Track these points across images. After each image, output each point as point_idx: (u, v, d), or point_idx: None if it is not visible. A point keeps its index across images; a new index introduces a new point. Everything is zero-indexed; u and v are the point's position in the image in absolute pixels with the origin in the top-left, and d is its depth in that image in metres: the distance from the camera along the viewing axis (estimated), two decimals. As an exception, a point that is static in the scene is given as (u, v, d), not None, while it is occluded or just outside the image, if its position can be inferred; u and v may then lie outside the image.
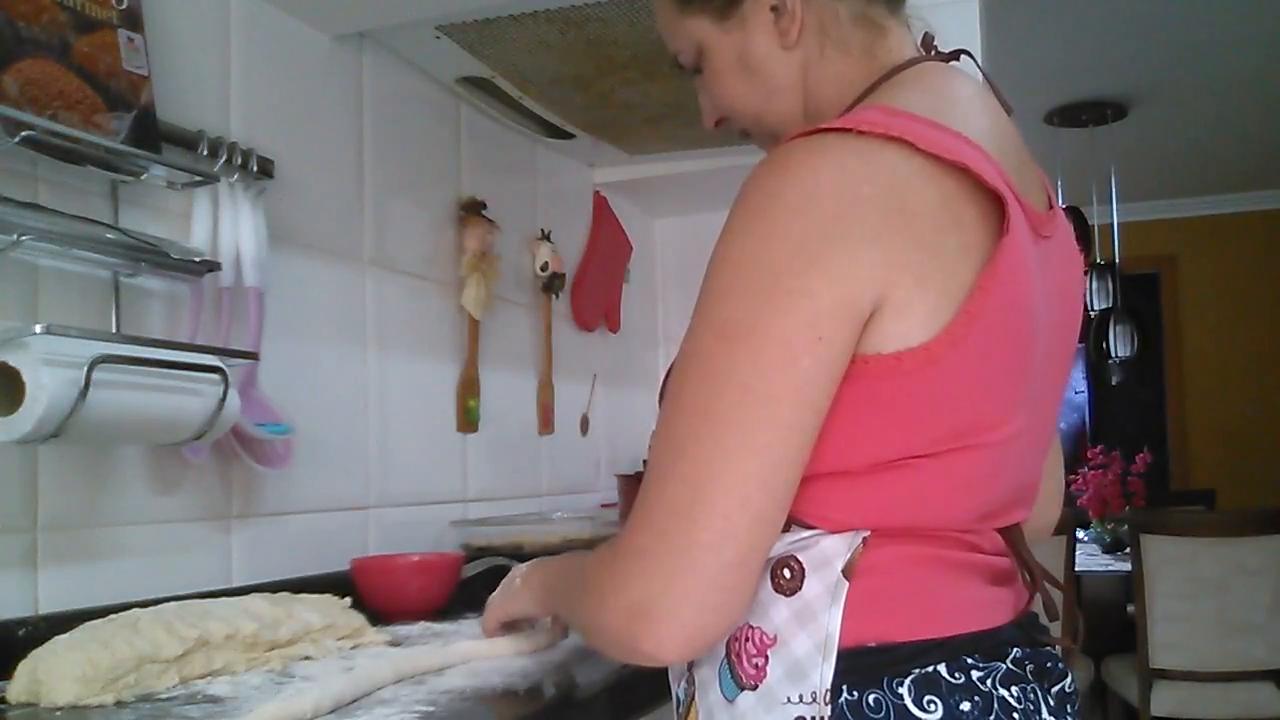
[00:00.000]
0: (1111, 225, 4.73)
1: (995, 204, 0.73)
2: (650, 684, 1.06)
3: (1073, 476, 4.07)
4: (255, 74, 1.45)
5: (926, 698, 0.71)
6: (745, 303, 0.69)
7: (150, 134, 1.21)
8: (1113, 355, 4.43)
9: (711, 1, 0.89)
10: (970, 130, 0.75)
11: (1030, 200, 0.79)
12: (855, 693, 0.71)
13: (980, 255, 0.72)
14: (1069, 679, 0.79)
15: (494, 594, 1.09)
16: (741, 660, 0.75)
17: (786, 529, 0.74)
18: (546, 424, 2.17)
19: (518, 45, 1.65)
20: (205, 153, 1.30)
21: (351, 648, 1.16)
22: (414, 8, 1.53)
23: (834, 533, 0.74)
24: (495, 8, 1.51)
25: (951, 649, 0.73)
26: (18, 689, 0.94)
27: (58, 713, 0.90)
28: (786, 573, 0.75)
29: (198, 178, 1.27)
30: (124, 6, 1.20)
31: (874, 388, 0.71)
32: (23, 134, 1.05)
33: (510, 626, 1.11)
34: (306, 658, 1.10)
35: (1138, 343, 4.41)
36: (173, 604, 1.07)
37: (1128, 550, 3.25)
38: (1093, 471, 3.95)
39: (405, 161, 1.77)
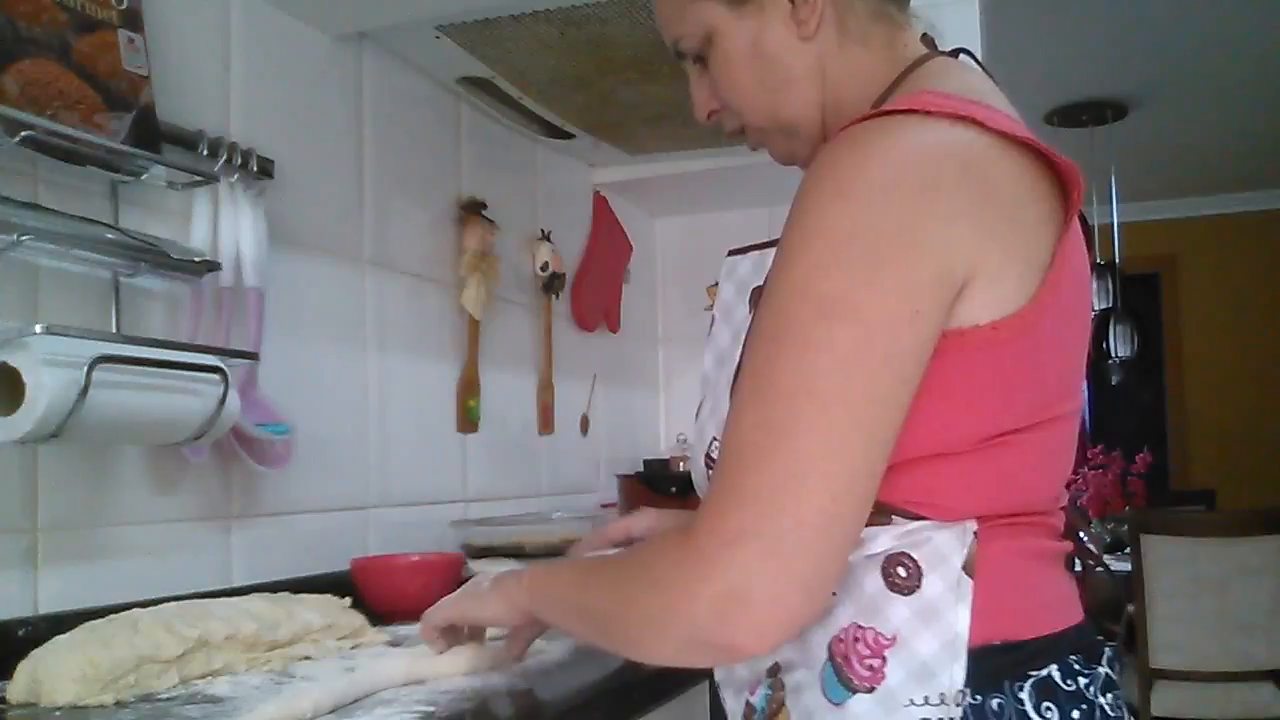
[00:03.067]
0: (1111, 225, 4.72)
1: (1055, 180, 0.74)
2: (651, 685, 1.06)
3: (1073, 476, 4.06)
4: (255, 74, 1.45)
5: (1045, 704, 0.72)
6: (842, 278, 0.68)
7: (150, 134, 1.21)
8: (1113, 355, 4.43)
9: None
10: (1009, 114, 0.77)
11: None
12: (979, 696, 0.71)
13: (1055, 226, 0.73)
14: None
15: (449, 595, 1.00)
16: (851, 662, 0.72)
17: (887, 520, 0.73)
18: (546, 424, 2.17)
19: (518, 45, 1.65)
20: (205, 153, 1.30)
21: (351, 648, 1.16)
22: (414, 8, 1.53)
23: (942, 523, 0.73)
24: (495, 8, 1.51)
25: (1060, 649, 0.74)
26: (18, 689, 0.94)
27: (58, 713, 0.90)
28: (901, 571, 0.73)
29: (198, 178, 1.27)
30: (124, 6, 1.20)
31: (971, 360, 0.70)
32: (23, 134, 1.05)
33: (449, 634, 1.01)
34: (306, 658, 1.10)
35: (1138, 343, 4.41)
36: (173, 604, 1.07)
37: (1128, 550, 3.24)
38: (1093, 471, 3.95)
39: (405, 161, 1.77)
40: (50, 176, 1.15)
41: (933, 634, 0.71)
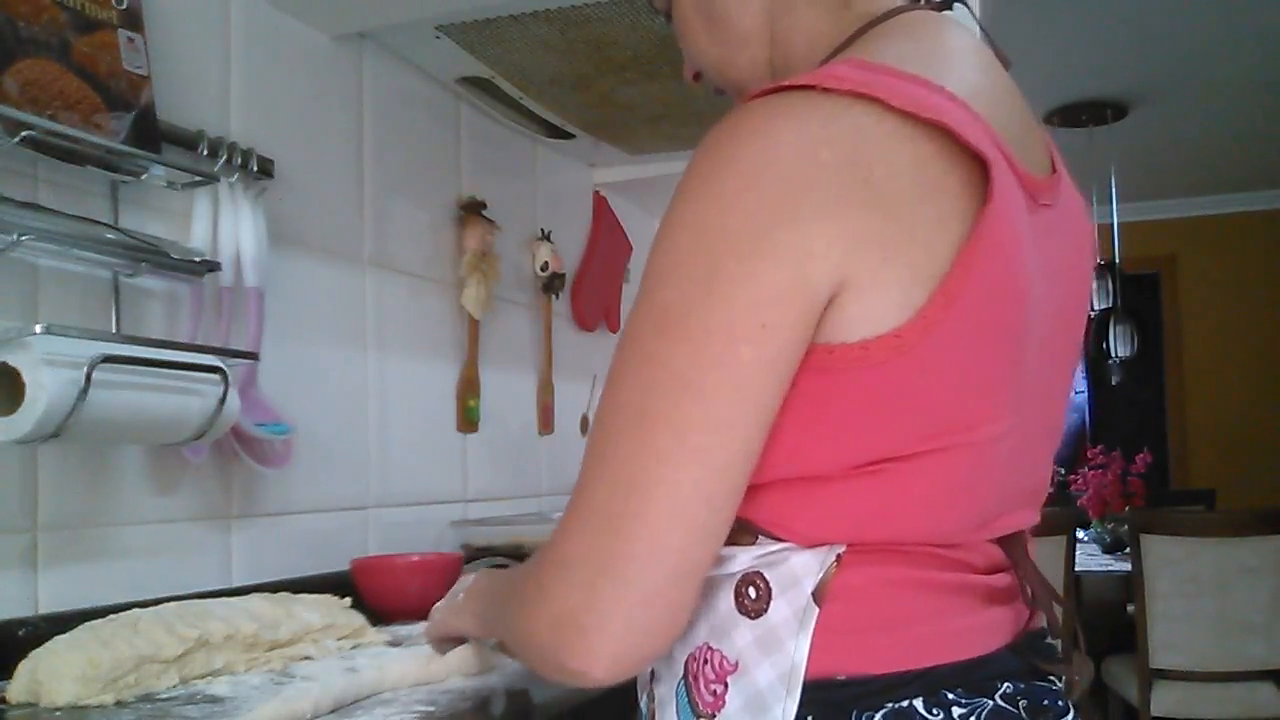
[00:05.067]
0: (1111, 225, 4.73)
1: (980, 168, 0.63)
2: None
3: (1072, 476, 4.07)
4: (255, 74, 1.45)
5: None
6: (684, 287, 0.61)
7: (150, 134, 1.21)
8: (1113, 355, 4.43)
9: None
10: (960, 86, 0.66)
11: (1026, 164, 0.70)
12: None
13: (961, 227, 0.62)
14: (1072, 714, 0.70)
15: (438, 603, 0.97)
16: (699, 684, 0.69)
17: (754, 540, 0.67)
18: (546, 424, 2.17)
19: (518, 45, 1.65)
20: (205, 153, 1.30)
21: (351, 648, 1.16)
22: (414, 8, 1.53)
23: (805, 547, 0.66)
24: (495, 8, 1.51)
25: (929, 682, 0.65)
26: (18, 689, 0.94)
27: (58, 713, 0.90)
28: (752, 592, 0.67)
29: (198, 178, 1.27)
30: (124, 6, 1.20)
31: (840, 380, 0.62)
32: (23, 134, 1.05)
33: (455, 641, 0.99)
34: (306, 658, 1.10)
35: (1138, 343, 4.41)
36: (173, 604, 1.07)
37: (1128, 550, 3.25)
38: (1093, 471, 3.95)
39: (405, 161, 1.77)
40: (50, 176, 1.15)
41: (771, 664, 0.66)
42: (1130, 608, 3.20)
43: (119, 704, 0.93)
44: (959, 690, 0.65)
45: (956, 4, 0.80)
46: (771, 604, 0.66)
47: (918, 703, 0.64)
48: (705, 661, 0.69)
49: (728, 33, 0.82)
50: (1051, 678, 0.71)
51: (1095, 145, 4.48)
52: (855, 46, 0.72)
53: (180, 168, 1.25)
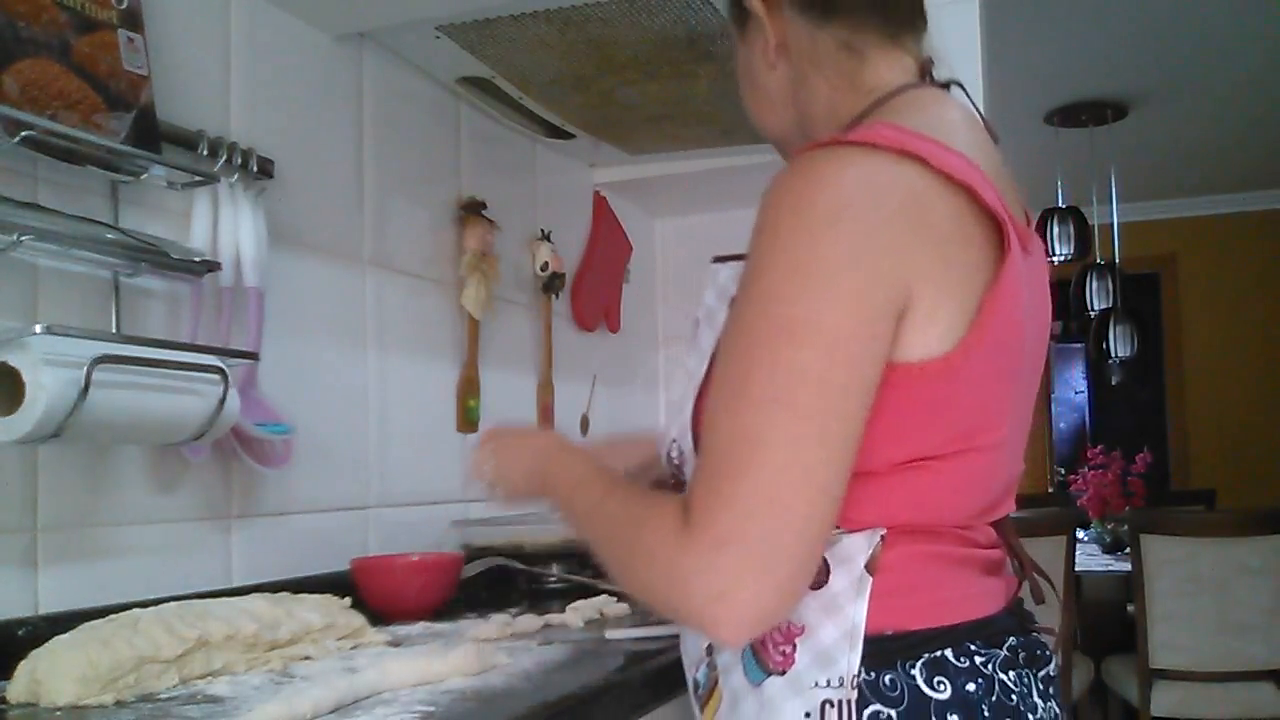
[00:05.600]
0: (1111, 225, 4.73)
1: (994, 225, 0.78)
2: (652, 684, 1.06)
3: (1072, 476, 4.07)
4: (255, 74, 1.45)
5: (936, 679, 0.79)
6: (805, 302, 0.73)
7: (150, 134, 1.21)
8: (1113, 355, 4.43)
9: (735, 21, 0.99)
10: (967, 153, 0.80)
11: (1018, 219, 0.84)
12: (873, 673, 0.78)
13: (986, 273, 0.78)
14: (1053, 664, 0.88)
15: (506, 431, 1.11)
16: (768, 648, 0.81)
17: None
18: (546, 424, 2.17)
19: (518, 45, 1.65)
20: (205, 153, 1.30)
21: (351, 648, 1.16)
22: (414, 8, 1.53)
23: (853, 531, 0.80)
24: (495, 8, 1.51)
25: (956, 636, 0.81)
26: (18, 689, 0.94)
27: (58, 713, 0.90)
28: None
29: (198, 178, 1.27)
30: (124, 6, 1.20)
31: (897, 392, 0.76)
32: (23, 134, 1.05)
33: (517, 497, 1.09)
34: (306, 658, 1.10)
35: (1138, 343, 4.41)
36: (173, 604, 1.07)
37: (1128, 550, 3.24)
38: (1093, 471, 3.95)
39: (405, 161, 1.77)
40: (50, 176, 1.15)
41: (834, 624, 0.79)
42: (1130, 608, 3.21)
43: (119, 704, 0.93)
44: (978, 643, 0.81)
45: (954, 85, 0.94)
46: (831, 576, 0.80)
47: (948, 653, 0.80)
48: (773, 628, 0.80)
49: (763, 95, 0.98)
50: (1036, 633, 0.88)
51: (1095, 145, 4.48)
52: (872, 116, 0.86)
53: (180, 168, 1.25)
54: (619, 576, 0.82)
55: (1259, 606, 3.01)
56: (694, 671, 0.90)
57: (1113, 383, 4.54)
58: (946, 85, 0.93)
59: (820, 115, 0.92)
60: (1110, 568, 3.59)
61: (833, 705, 0.78)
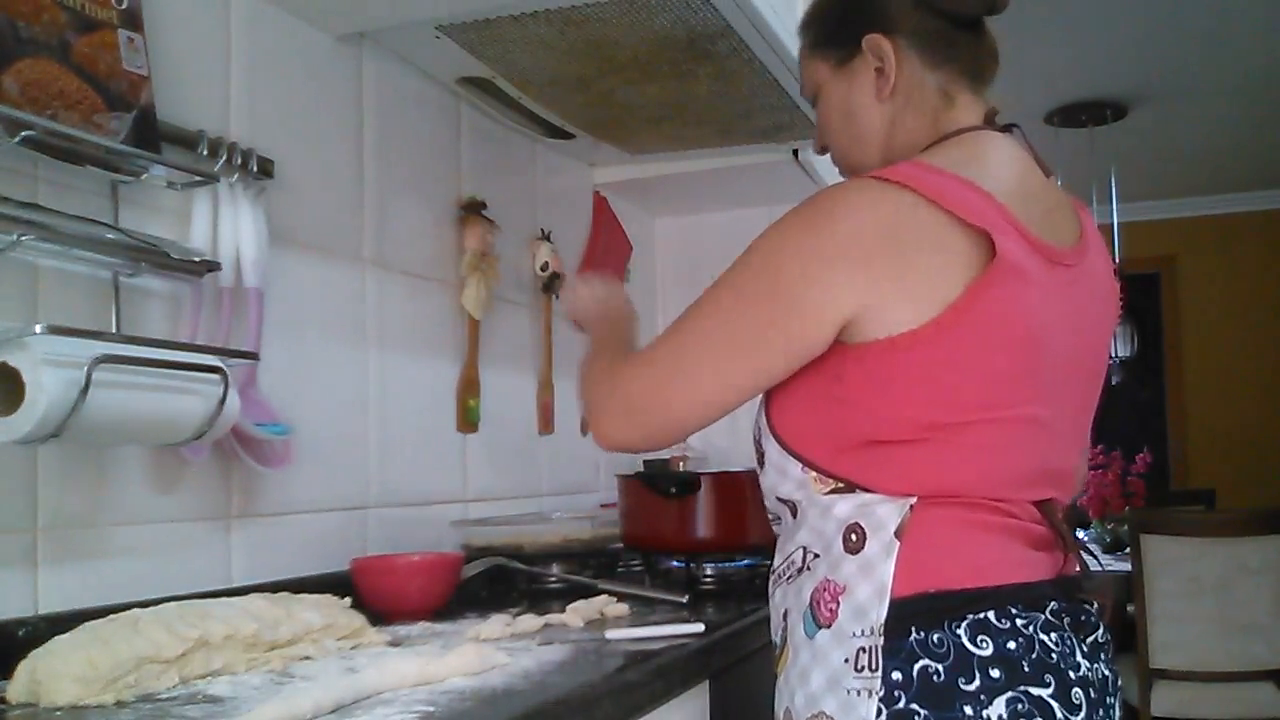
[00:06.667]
0: (1112, 225, 4.73)
1: (984, 237, 0.92)
2: (651, 684, 1.06)
3: (1072, 476, 4.06)
4: (255, 74, 1.45)
5: (980, 637, 0.90)
6: (752, 279, 0.98)
7: (150, 134, 1.21)
8: (1113, 355, 4.43)
9: (834, 51, 1.10)
10: (992, 183, 0.96)
11: (1044, 237, 0.98)
12: (922, 633, 0.90)
13: (969, 272, 0.92)
14: (1102, 630, 0.98)
15: (593, 288, 1.38)
16: (819, 606, 0.96)
17: (850, 490, 0.97)
18: (546, 424, 2.17)
19: (518, 45, 1.65)
20: (205, 153, 1.30)
21: (351, 648, 1.16)
22: (414, 8, 1.53)
23: (888, 498, 0.95)
24: (495, 8, 1.51)
25: (998, 598, 0.91)
26: (18, 689, 0.94)
27: (58, 713, 0.90)
28: (853, 537, 0.95)
29: (198, 178, 1.27)
30: (124, 6, 1.20)
31: (884, 363, 0.93)
32: (23, 134, 1.05)
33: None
34: (306, 658, 1.10)
35: (1138, 343, 4.42)
36: (173, 604, 1.07)
37: (1128, 550, 3.24)
38: (1093, 471, 3.95)
39: (405, 161, 1.77)
40: (50, 176, 1.15)
41: (868, 583, 0.93)
42: (1130, 608, 3.21)
43: (119, 704, 0.93)
44: (1020, 606, 0.92)
45: (1015, 129, 1.08)
46: (866, 543, 0.95)
47: (990, 615, 0.90)
48: (824, 590, 0.96)
49: (858, 129, 1.10)
50: (1085, 604, 0.98)
51: (1095, 145, 4.48)
52: (928, 151, 1.02)
53: (180, 168, 1.25)
54: (582, 387, 1.14)
55: (1259, 606, 3.01)
56: (775, 635, 1.05)
57: (1113, 383, 4.54)
58: (1008, 128, 1.07)
59: (903, 149, 1.05)
60: (1110, 568, 3.59)
61: (865, 651, 0.91)
